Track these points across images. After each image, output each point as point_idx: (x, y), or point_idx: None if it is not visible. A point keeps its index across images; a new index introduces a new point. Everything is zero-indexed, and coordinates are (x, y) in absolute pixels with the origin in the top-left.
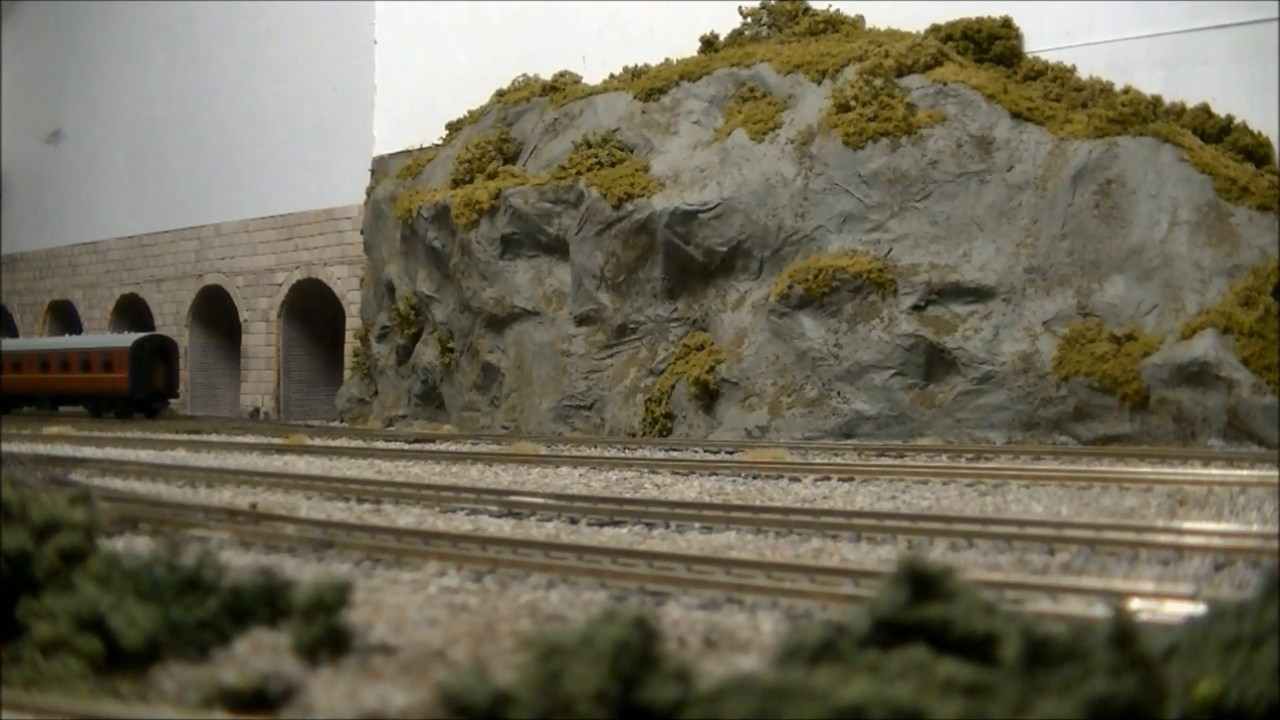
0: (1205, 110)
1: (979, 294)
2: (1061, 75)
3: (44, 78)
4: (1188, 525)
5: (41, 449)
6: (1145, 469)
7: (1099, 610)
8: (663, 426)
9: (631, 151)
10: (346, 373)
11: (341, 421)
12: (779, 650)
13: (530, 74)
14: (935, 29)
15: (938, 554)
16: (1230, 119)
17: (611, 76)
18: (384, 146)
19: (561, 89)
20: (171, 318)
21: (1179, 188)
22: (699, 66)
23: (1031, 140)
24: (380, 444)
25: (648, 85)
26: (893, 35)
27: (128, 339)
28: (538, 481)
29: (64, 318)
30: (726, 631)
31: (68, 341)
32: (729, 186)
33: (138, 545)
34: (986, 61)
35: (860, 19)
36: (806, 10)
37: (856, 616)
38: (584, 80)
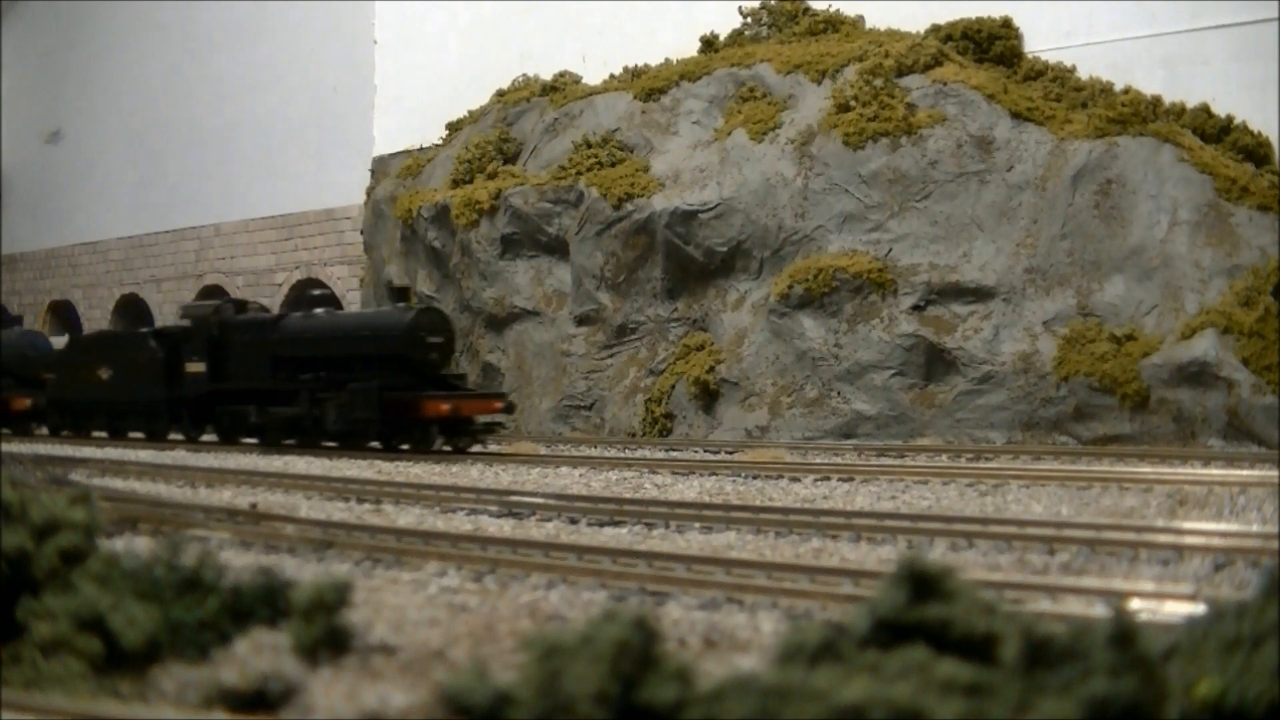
0: (1205, 110)
1: (979, 294)
2: (1061, 75)
3: (44, 78)
4: (1188, 525)
5: (41, 449)
6: (1145, 469)
7: (1099, 610)
8: (663, 426)
9: (631, 151)
10: None
11: None
12: (779, 650)
13: (530, 74)
14: (935, 29)
15: (938, 554)
16: (1230, 119)
17: (611, 76)
18: (384, 146)
19: (561, 89)
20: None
21: (1179, 188)
22: (699, 66)
23: (1031, 140)
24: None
25: (648, 85)
26: (893, 35)
27: None
28: (538, 481)
29: (64, 318)
30: (726, 631)
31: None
32: (729, 186)
33: (138, 545)
34: (986, 61)
35: (860, 19)
36: (806, 10)
37: (856, 616)
38: (584, 80)
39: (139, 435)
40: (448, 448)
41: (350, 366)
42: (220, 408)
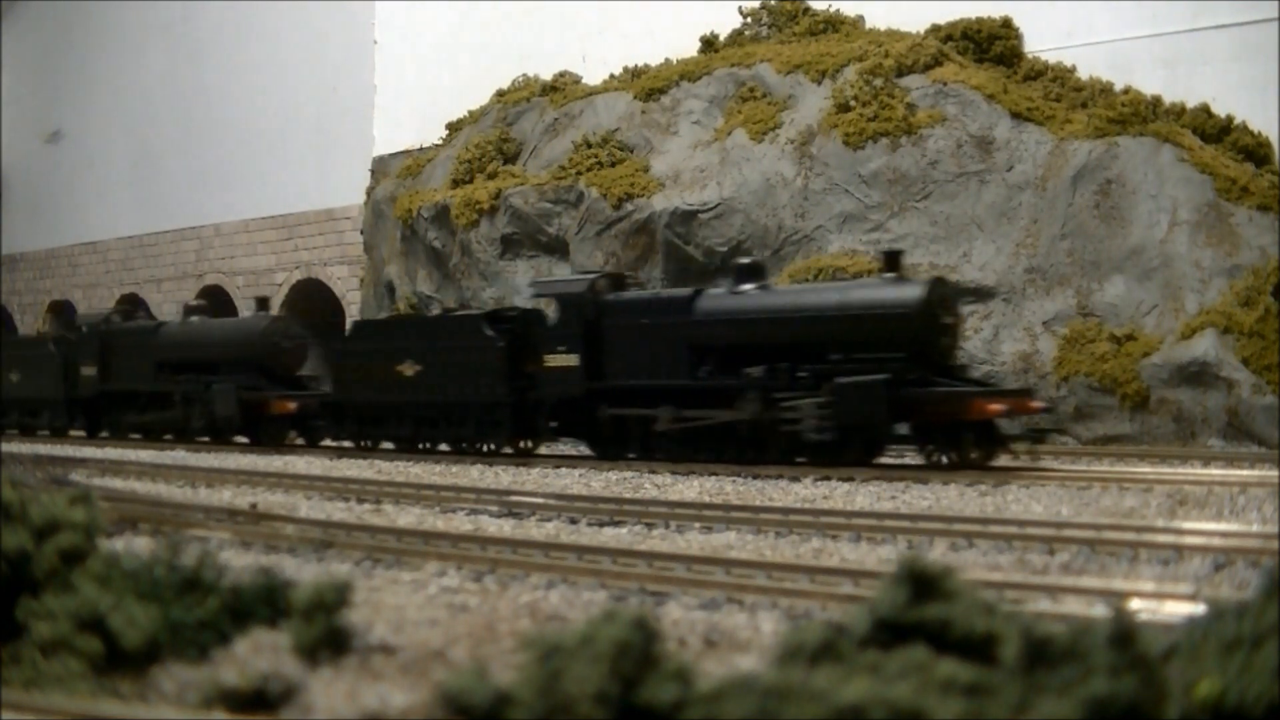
0: (1205, 110)
1: (979, 294)
2: (1061, 75)
3: (44, 78)
4: (1188, 525)
5: (41, 449)
6: (1145, 469)
7: (1099, 610)
8: None
9: (631, 151)
10: None
11: None
12: (779, 650)
13: (530, 74)
14: (935, 29)
15: (938, 554)
16: (1230, 119)
17: (611, 76)
18: (384, 146)
19: (561, 89)
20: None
21: (1179, 188)
22: (699, 66)
23: (1031, 140)
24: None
25: (648, 85)
26: (893, 35)
27: None
28: (538, 481)
29: (64, 318)
30: (726, 631)
31: None
32: (729, 186)
33: (138, 545)
34: (986, 61)
35: (860, 19)
36: (806, 10)
37: (856, 616)
38: (584, 80)
39: (445, 448)
40: (944, 459)
41: (820, 356)
42: (598, 412)
